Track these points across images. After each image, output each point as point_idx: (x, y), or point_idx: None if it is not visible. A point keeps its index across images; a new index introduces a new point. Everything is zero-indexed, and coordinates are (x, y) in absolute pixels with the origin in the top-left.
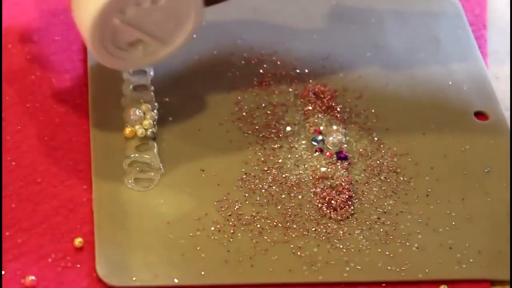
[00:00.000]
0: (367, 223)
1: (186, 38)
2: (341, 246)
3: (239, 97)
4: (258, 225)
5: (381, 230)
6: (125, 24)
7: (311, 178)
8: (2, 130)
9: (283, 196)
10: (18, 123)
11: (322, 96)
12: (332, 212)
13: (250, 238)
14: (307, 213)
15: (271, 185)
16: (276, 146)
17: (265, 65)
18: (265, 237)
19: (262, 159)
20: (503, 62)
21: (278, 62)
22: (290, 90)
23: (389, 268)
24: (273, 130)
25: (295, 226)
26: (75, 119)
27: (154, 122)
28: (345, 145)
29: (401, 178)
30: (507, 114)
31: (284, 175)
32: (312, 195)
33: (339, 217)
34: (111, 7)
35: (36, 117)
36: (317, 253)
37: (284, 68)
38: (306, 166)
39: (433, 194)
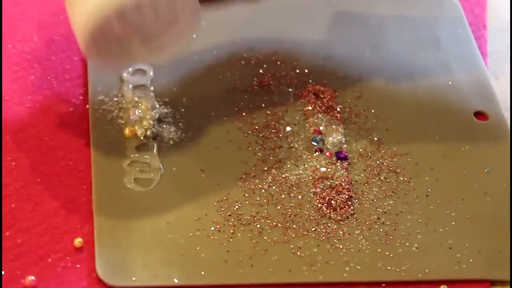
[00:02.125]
0: (367, 223)
1: (179, 41)
2: (341, 246)
3: (239, 97)
4: (258, 225)
5: (381, 230)
6: (124, 29)
7: (311, 178)
8: (2, 130)
9: (283, 196)
10: (18, 123)
11: (322, 96)
12: (332, 212)
13: (250, 238)
14: (307, 213)
15: (271, 185)
16: (276, 146)
17: (265, 65)
18: (265, 237)
19: (262, 159)
20: (503, 62)
21: (278, 62)
22: (290, 90)
23: (389, 268)
24: (273, 130)
25: (295, 226)
26: (75, 119)
27: (154, 122)
28: (345, 145)
29: (401, 178)
30: (507, 114)
31: (284, 175)
32: (312, 195)
33: (339, 217)
34: (115, 14)
35: (36, 117)
36: (317, 253)
37: (284, 68)
38: (306, 166)
39: (433, 194)
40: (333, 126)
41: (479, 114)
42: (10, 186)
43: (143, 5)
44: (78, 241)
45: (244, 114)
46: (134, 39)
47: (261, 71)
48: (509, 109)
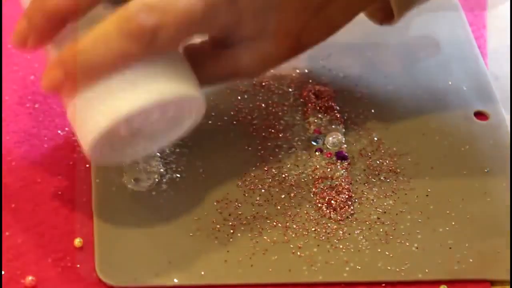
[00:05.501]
0: (367, 223)
1: (183, 133)
2: (341, 246)
3: (239, 97)
4: (258, 225)
5: (381, 230)
6: (130, 131)
7: (310, 178)
8: (2, 130)
9: (283, 196)
10: (18, 123)
11: (321, 96)
12: (332, 212)
13: (249, 238)
14: (307, 213)
15: (270, 185)
16: (276, 146)
17: None
18: (265, 237)
19: (262, 159)
20: (503, 62)
21: None
22: (290, 90)
23: (388, 268)
24: (272, 130)
25: (294, 226)
26: None
27: None
28: (345, 145)
29: (401, 178)
30: (507, 114)
31: (283, 175)
32: (312, 195)
33: (339, 217)
34: (123, 121)
35: (36, 117)
36: (316, 253)
37: (284, 68)
38: (305, 166)
39: (433, 194)
40: (333, 126)
41: (479, 114)
42: (10, 186)
43: (151, 111)
44: (78, 241)
45: (244, 114)
46: (140, 138)
47: None
48: (509, 109)
